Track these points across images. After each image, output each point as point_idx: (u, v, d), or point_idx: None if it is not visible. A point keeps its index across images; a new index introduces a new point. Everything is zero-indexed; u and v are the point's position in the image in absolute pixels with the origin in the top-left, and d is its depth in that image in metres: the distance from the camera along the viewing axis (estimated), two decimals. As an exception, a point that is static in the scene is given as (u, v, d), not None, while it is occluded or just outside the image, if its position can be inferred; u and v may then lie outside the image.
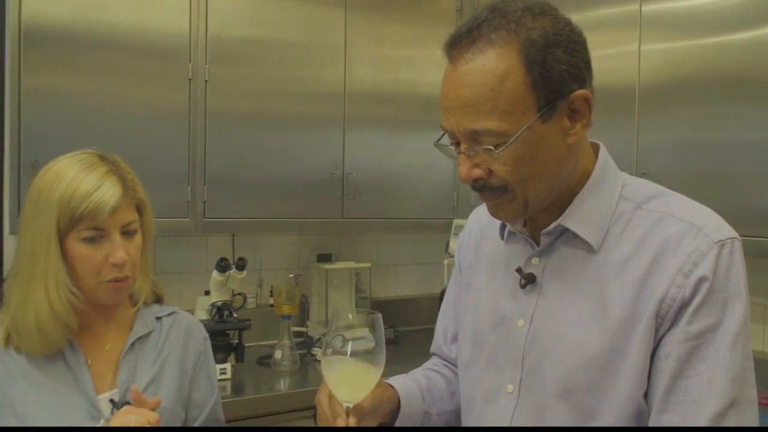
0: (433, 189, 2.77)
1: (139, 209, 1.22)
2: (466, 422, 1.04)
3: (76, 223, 1.12)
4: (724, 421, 0.78)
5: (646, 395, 0.83)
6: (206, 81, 2.29)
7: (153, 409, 1.10)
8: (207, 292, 2.46)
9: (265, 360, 2.44)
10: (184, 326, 1.33)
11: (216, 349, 2.21)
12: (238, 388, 2.19)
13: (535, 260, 0.93)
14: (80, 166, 1.15)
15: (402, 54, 2.70)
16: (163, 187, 2.24)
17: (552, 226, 0.90)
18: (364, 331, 0.93)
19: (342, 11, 2.56)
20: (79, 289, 1.16)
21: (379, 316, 0.94)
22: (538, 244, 0.93)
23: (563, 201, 0.90)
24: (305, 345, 2.61)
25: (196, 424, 1.30)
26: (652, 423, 0.82)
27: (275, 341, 2.48)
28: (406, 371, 1.15)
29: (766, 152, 1.74)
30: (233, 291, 2.48)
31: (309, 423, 2.20)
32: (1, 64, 2.27)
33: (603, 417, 0.84)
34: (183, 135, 2.27)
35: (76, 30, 2.10)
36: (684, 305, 0.80)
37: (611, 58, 2.15)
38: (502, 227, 1.00)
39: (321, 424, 0.94)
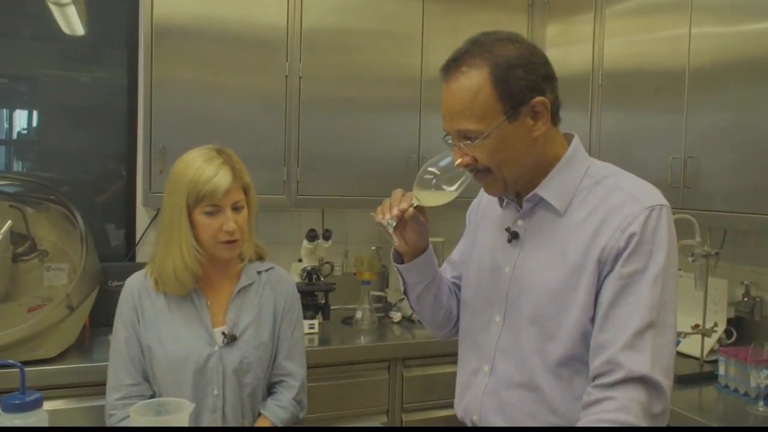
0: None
1: (246, 191, 1.58)
2: (463, 348, 1.34)
3: (200, 201, 1.50)
4: (643, 337, 1.04)
5: (592, 321, 1.10)
6: (300, 77, 2.65)
7: None
8: (300, 260, 2.85)
9: (348, 320, 2.80)
10: (278, 279, 1.71)
11: (305, 308, 2.59)
12: (324, 341, 2.56)
13: (519, 222, 1.23)
14: (203, 158, 1.53)
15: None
16: (263, 168, 2.62)
17: (530, 194, 1.19)
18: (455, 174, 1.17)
19: (420, 2, 2.83)
20: (201, 248, 1.54)
21: (471, 175, 1.17)
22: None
23: (541, 178, 1.18)
24: (384, 309, 2.95)
25: (282, 351, 1.67)
26: (593, 341, 1.10)
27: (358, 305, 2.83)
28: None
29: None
30: (322, 259, 2.85)
31: (384, 374, 2.54)
32: (136, 58, 2.74)
33: (560, 337, 1.13)
34: (280, 122, 2.65)
35: (194, 25, 2.50)
36: (618, 254, 1.08)
37: (662, 41, 2.28)
38: (501, 198, 1.29)
39: (383, 205, 1.19)
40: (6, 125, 2.77)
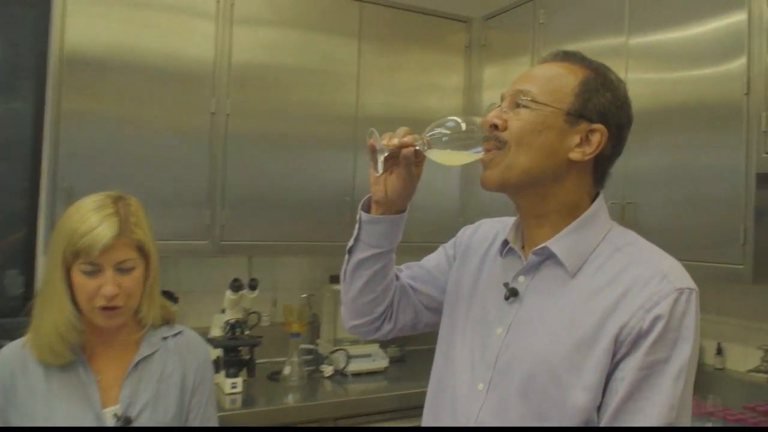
0: (440, 213, 2.90)
1: (141, 249, 1.34)
2: (433, 410, 1.15)
3: (77, 256, 1.27)
4: None
5: (599, 408, 0.94)
6: (228, 114, 2.48)
7: None
8: (224, 310, 2.62)
9: (275, 375, 2.58)
10: (188, 345, 1.46)
11: (228, 364, 2.38)
12: (248, 401, 2.33)
13: (521, 278, 1.07)
14: (92, 205, 1.30)
15: (412, 81, 2.87)
16: (185, 212, 2.42)
17: (539, 246, 1.04)
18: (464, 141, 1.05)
19: (356, 41, 2.75)
20: (79, 312, 1.30)
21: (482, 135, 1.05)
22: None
23: (555, 229, 1.04)
24: (315, 362, 2.74)
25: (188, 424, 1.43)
26: None
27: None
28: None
29: (736, 176, 1.81)
30: (248, 310, 2.63)
31: (314, 436, 2.33)
32: (43, 89, 2.50)
33: (556, 420, 0.95)
34: (204, 161, 2.45)
35: (111, 55, 2.31)
36: (640, 336, 0.92)
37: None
38: (503, 245, 1.14)
39: (385, 135, 1.07)
40: None
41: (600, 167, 1.06)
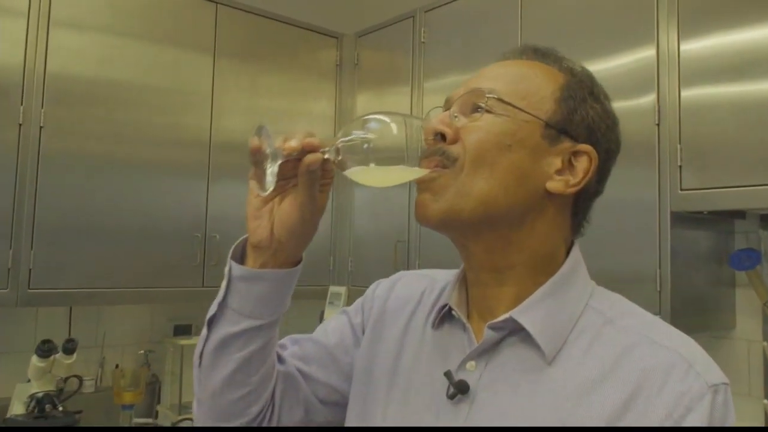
0: (307, 254, 2.54)
1: None
2: None
3: None
4: None
5: None
6: (41, 127, 1.96)
7: None
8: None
9: (100, 458, 2.04)
10: None
11: (33, 452, 1.82)
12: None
13: (470, 364, 0.72)
14: None
15: (276, 105, 2.52)
16: (-24, 250, 1.85)
17: (502, 318, 0.70)
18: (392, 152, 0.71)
19: (210, 58, 2.35)
20: None
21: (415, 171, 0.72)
22: (478, 340, 0.73)
23: (522, 290, 0.72)
24: (153, 435, 2.24)
25: None
26: None
27: (116, 433, 2.09)
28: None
29: (647, 210, 1.64)
30: (62, 377, 2.07)
31: None
32: None
33: None
34: (8, 182, 1.91)
35: None
36: None
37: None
38: (438, 312, 0.78)
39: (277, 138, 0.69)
40: None
41: (581, 206, 0.76)
